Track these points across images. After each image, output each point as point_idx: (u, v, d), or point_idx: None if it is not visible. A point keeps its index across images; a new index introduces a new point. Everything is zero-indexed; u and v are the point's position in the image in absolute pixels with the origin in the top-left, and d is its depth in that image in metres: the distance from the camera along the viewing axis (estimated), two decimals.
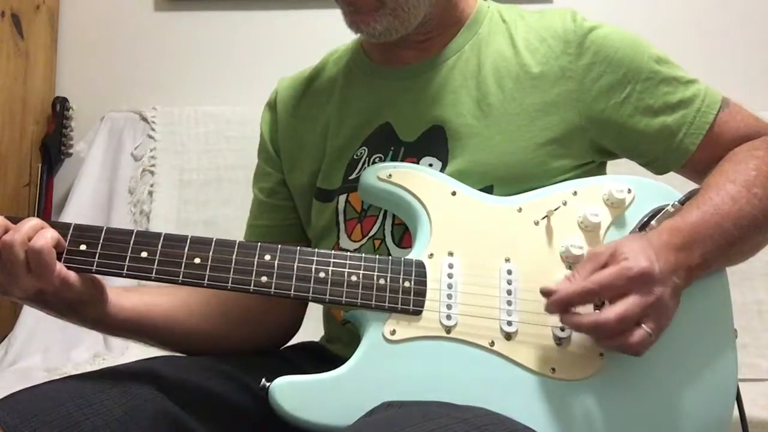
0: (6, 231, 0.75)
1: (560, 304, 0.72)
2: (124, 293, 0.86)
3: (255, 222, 1.04)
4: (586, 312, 0.72)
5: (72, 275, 0.77)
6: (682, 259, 0.74)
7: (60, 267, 0.76)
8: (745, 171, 0.81)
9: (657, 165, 0.90)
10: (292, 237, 1.00)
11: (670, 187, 0.85)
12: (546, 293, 0.72)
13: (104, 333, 0.88)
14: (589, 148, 0.88)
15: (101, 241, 0.78)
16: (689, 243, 0.75)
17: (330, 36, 1.06)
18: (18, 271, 0.74)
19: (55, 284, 0.76)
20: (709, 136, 0.86)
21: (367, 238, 0.88)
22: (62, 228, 0.78)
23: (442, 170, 0.86)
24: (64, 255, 0.77)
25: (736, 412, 0.81)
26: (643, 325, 0.70)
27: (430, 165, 0.86)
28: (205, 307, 0.91)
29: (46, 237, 0.74)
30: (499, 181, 0.84)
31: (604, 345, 0.73)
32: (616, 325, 0.69)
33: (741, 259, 0.84)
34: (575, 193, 0.83)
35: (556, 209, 0.81)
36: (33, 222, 0.76)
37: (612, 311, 0.69)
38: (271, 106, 1.04)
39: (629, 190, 0.83)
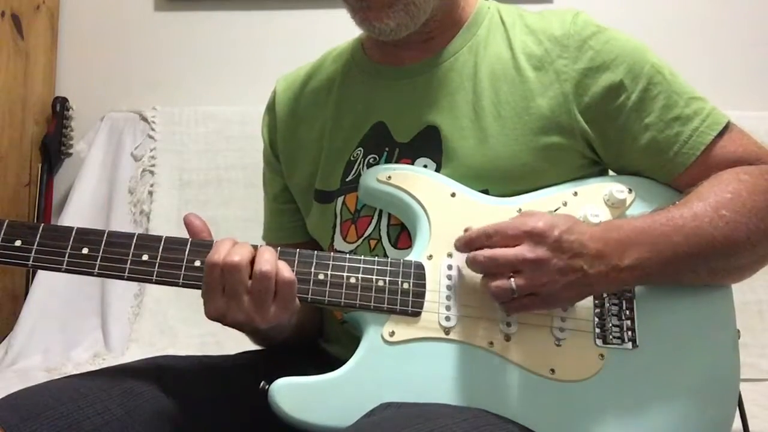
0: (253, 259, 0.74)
1: (464, 241, 0.76)
2: None
3: (268, 226, 1.07)
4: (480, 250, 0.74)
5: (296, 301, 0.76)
6: (607, 252, 0.73)
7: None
8: (721, 193, 0.78)
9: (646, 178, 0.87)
10: (302, 239, 1.01)
11: (671, 188, 0.85)
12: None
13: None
14: (581, 156, 0.86)
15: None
16: (623, 242, 0.74)
17: (330, 36, 1.06)
18: (267, 301, 0.74)
19: (293, 313, 0.76)
20: (704, 157, 0.82)
21: (362, 238, 0.87)
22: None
23: (436, 171, 0.85)
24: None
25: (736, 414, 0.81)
26: (512, 278, 0.71)
27: (425, 166, 0.86)
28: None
29: (288, 267, 0.75)
30: (494, 184, 0.84)
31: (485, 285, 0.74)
32: (486, 262, 0.72)
33: (699, 281, 0.80)
34: (575, 194, 0.83)
35: (556, 210, 0.81)
36: (272, 251, 0.75)
37: (488, 250, 0.73)
38: (270, 108, 1.04)
39: (630, 190, 0.83)
